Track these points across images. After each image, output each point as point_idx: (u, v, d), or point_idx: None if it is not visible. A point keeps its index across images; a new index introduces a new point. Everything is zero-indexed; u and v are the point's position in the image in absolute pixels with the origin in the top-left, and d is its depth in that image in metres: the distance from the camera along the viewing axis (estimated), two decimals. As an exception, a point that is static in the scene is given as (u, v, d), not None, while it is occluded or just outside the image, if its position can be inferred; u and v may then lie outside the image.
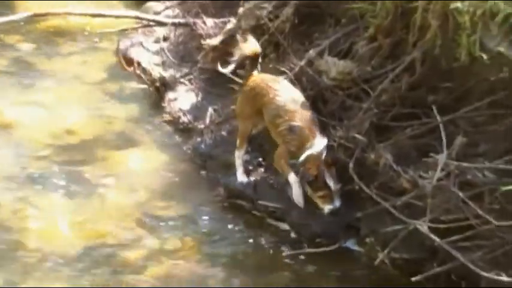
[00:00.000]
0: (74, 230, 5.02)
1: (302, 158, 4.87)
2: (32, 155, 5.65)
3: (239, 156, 5.34)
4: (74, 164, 5.61)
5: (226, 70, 5.60)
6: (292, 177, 5.04)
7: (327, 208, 4.90)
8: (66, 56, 6.87)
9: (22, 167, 5.54)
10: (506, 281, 4.16)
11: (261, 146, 5.50)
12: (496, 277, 4.17)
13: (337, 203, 4.90)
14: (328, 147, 4.95)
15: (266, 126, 5.25)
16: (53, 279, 4.59)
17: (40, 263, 4.71)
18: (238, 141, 5.34)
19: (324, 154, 4.88)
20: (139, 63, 6.60)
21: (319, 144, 4.89)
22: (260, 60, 5.43)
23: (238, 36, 5.51)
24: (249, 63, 5.33)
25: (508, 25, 4.44)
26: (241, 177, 5.32)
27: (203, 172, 5.62)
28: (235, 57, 5.43)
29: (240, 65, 5.46)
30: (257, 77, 5.31)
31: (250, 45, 5.35)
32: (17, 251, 4.78)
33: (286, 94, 5.11)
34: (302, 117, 4.99)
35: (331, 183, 4.85)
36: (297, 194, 5.03)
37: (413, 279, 4.42)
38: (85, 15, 7.13)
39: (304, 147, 4.90)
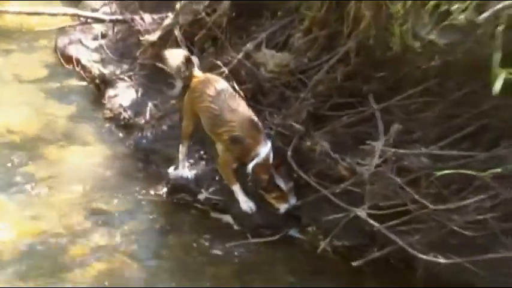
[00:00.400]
0: (16, 227, 4.94)
1: (250, 168, 4.84)
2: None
3: (182, 151, 5.29)
4: (16, 162, 5.54)
5: (176, 90, 5.59)
6: (236, 188, 5.03)
7: (282, 208, 4.92)
8: (4, 55, 6.82)
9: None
10: (442, 262, 4.21)
11: (203, 139, 5.42)
12: (433, 259, 4.23)
13: (292, 201, 4.92)
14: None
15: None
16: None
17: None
18: (181, 137, 5.30)
19: (271, 157, 4.85)
20: (78, 61, 6.60)
21: (264, 150, 4.83)
22: (194, 60, 5.33)
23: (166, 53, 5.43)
24: (185, 67, 5.22)
25: (438, 13, 4.48)
26: (184, 171, 5.27)
27: (145, 167, 5.60)
28: (173, 72, 5.35)
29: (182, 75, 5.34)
30: (198, 78, 5.19)
31: (177, 56, 5.27)
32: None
33: (221, 101, 4.94)
34: (242, 125, 4.87)
35: (282, 184, 4.85)
36: (244, 202, 5.02)
37: (354, 264, 4.47)
38: (22, 13, 7.04)
39: (249, 154, 4.84)
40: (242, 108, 4.96)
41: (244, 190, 5.03)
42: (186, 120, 5.28)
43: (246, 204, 5.01)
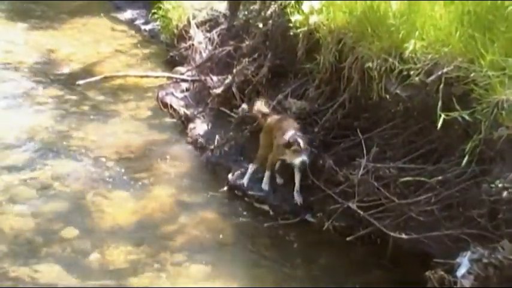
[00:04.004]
0: (131, 210, 5.03)
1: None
2: (105, 165, 5.63)
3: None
4: (132, 169, 5.58)
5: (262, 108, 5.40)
6: (268, 173, 5.07)
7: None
8: (124, 102, 6.85)
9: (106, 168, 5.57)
10: (405, 238, 4.27)
11: (250, 155, 5.48)
12: (398, 235, 4.28)
13: (299, 199, 4.87)
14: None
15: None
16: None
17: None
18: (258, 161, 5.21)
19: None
20: (171, 105, 6.59)
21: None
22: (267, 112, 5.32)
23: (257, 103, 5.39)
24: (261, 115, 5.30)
25: (401, 76, 4.50)
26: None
27: (213, 174, 5.63)
28: (255, 113, 5.37)
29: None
30: (270, 120, 5.21)
31: (259, 106, 5.33)
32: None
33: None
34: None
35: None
36: (265, 183, 5.09)
37: (347, 239, 4.54)
38: (136, 76, 7.19)
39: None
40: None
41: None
42: (262, 149, 5.14)
43: (265, 185, 5.05)
